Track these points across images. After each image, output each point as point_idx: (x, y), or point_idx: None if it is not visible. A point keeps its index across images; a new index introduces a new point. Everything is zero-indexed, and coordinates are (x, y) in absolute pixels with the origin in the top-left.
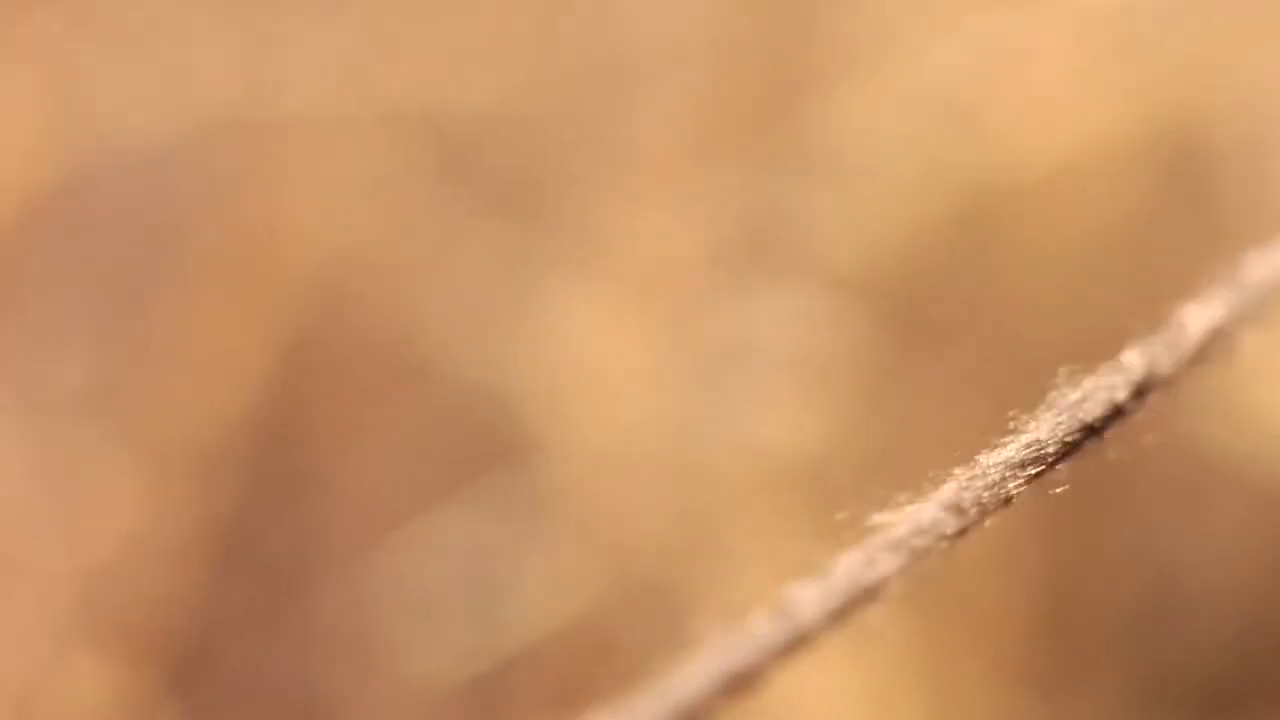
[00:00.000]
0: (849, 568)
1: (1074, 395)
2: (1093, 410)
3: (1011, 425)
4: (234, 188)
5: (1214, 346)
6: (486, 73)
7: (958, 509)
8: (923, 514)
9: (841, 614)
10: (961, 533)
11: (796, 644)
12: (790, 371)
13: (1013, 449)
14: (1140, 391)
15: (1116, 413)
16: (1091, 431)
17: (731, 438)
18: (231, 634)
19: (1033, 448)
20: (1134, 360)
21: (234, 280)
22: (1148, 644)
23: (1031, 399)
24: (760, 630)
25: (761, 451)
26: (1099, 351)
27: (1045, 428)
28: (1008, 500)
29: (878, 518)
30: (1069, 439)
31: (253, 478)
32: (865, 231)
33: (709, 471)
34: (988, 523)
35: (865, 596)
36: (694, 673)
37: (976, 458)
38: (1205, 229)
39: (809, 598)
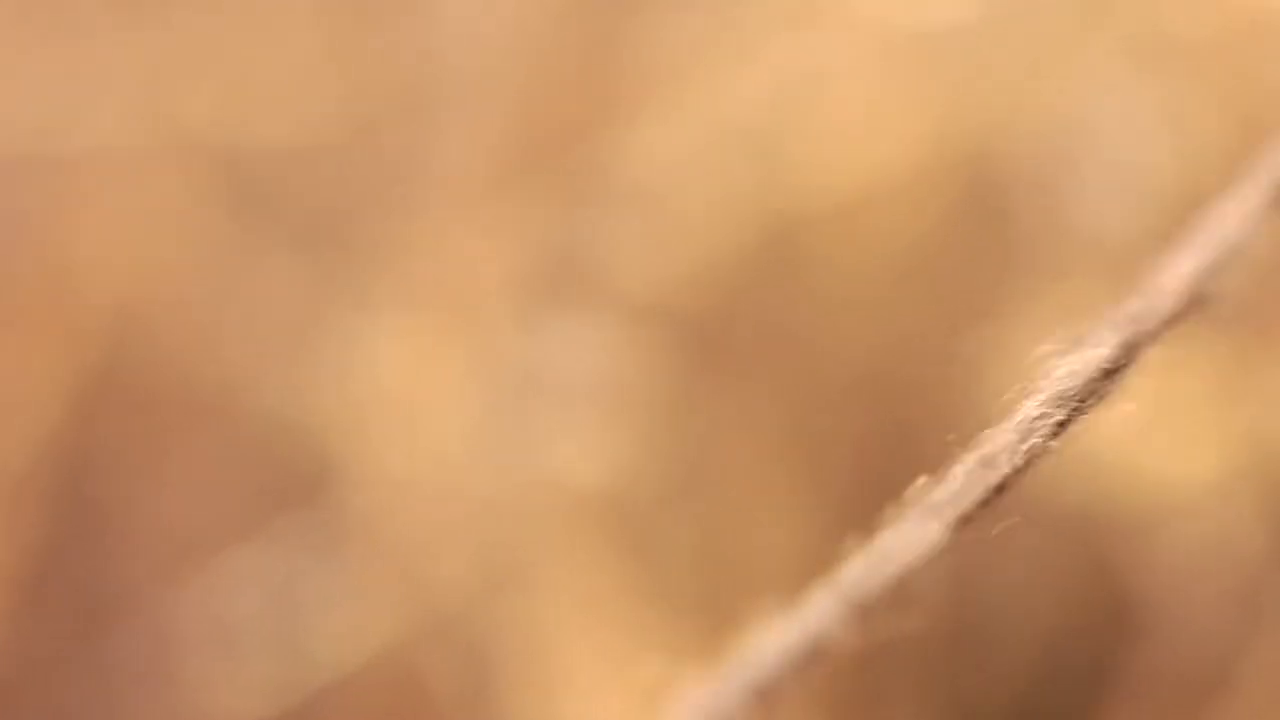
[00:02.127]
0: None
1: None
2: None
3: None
4: (28, 222)
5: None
6: (285, 102)
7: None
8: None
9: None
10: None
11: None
12: (592, 401)
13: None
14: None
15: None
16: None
17: (534, 468)
18: (33, 671)
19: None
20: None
21: (30, 314)
22: (951, 669)
23: (830, 427)
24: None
25: (563, 481)
26: (895, 374)
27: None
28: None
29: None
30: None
31: (52, 513)
32: (667, 259)
33: (511, 502)
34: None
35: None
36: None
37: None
38: (1002, 251)
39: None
